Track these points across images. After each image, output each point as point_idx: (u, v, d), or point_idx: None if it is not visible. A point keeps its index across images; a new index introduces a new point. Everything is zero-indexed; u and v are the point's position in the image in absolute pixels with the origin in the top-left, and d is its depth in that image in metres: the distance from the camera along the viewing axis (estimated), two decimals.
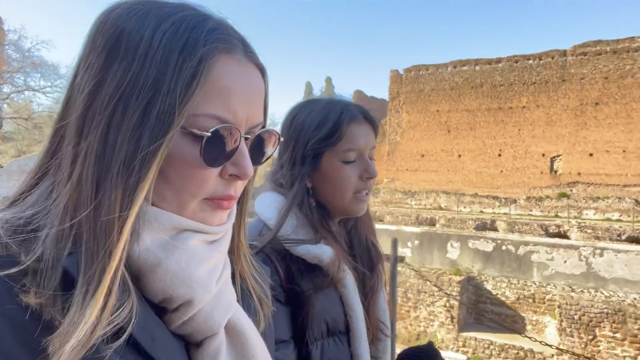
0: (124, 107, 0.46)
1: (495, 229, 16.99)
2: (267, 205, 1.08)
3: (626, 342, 7.99)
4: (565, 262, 11.73)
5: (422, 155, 28.05)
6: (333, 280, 1.02)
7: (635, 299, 8.86)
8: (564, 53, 24.31)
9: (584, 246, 11.73)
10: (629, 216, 19.24)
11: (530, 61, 25.13)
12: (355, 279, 1.08)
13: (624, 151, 22.57)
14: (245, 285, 0.68)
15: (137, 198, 0.46)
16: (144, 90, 0.47)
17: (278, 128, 1.10)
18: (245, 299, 0.67)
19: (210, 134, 0.49)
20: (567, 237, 14.97)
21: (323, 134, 1.05)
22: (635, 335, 7.97)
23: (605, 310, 8.21)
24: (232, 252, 0.65)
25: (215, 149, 0.50)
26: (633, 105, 22.36)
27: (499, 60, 26.07)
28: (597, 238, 15.08)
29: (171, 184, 0.51)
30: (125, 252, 0.47)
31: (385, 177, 28.83)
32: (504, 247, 12.66)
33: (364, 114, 1.10)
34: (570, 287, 11.12)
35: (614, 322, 7.98)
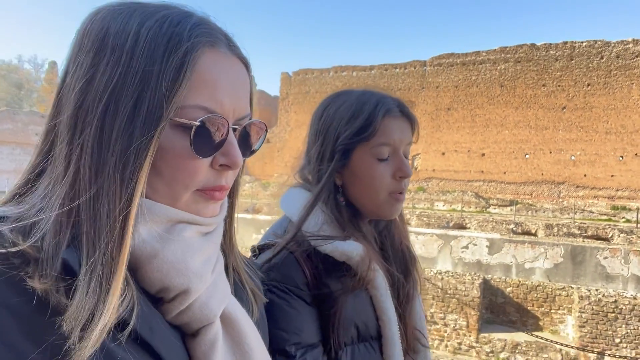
0: (115, 102, 0.47)
1: None
2: (293, 202, 1.04)
3: None
4: None
5: None
6: (363, 280, 0.94)
7: None
8: (424, 63, 27.11)
9: None
10: (470, 207, 22.54)
11: (397, 69, 27.80)
12: (388, 283, 1.01)
13: (468, 151, 25.77)
14: (238, 277, 0.69)
15: (135, 189, 0.47)
16: (133, 85, 0.47)
17: None
18: (238, 291, 0.67)
19: (198, 124, 0.50)
20: (408, 224, 17.48)
21: (355, 127, 0.98)
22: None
23: None
24: (225, 245, 0.66)
25: (205, 139, 0.51)
26: (477, 111, 25.56)
27: (372, 68, 28.59)
28: (429, 225, 17.75)
29: (163, 176, 0.51)
30: (131, 240, 0.48)
31: (275, 172, 30.56)
32: None
33: (400, 107, 1.02)
34: None
35: None
